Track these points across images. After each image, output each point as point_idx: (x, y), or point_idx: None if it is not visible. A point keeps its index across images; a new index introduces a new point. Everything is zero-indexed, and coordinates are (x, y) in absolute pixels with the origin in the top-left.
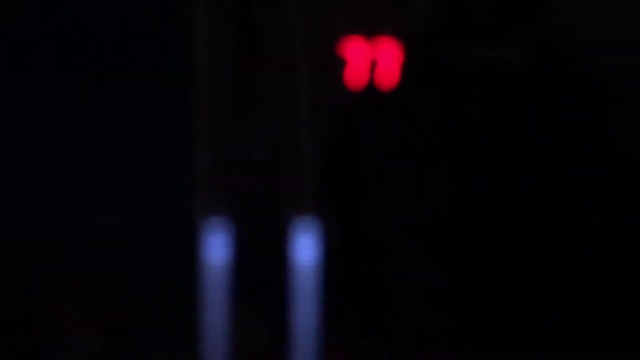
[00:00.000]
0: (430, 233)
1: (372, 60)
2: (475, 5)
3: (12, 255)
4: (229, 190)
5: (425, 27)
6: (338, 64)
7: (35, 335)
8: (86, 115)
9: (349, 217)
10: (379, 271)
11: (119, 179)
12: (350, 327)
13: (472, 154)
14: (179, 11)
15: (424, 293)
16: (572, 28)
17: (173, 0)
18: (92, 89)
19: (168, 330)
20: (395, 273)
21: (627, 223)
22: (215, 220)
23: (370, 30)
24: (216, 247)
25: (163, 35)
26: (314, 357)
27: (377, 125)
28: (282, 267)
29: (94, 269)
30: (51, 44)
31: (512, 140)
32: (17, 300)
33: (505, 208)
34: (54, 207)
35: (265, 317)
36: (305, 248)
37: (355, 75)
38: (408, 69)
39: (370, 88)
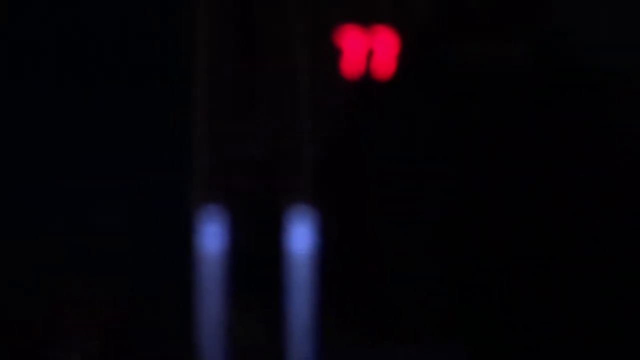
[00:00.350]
0: (428, 226)
1: (369, 50)
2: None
3: (10, 253)
4: (226, 183)
5: (422, 17)
6: (335, 54)
7: (33, 335)
8: (85, 113)
9: (346, 209)
10: (375, 264)
11: (117, 175)
12: (346, 319)
13: (470, 147)
14: (178, 10)
15: (421, 286)
16: (573, 26)
17: None
18: (91, 88)
19: (164, 323)
20: (392, 266)
21: (627, 222)
22: (212, 212)
23: (367, 19)
24: (213, 239)
25: (163, 34)
26: (310, 348)
27: (373, 116)
28: (278, 259)
29: (91, 264)
30: (50, 43)
31: (510, 134)
32: (15, 299)
33: (503, 201)
34: (54, 206)
35: (261, 309)
36: (302, 239)
37: (351, 65)
38: (404, 59)
39: (367, 78)
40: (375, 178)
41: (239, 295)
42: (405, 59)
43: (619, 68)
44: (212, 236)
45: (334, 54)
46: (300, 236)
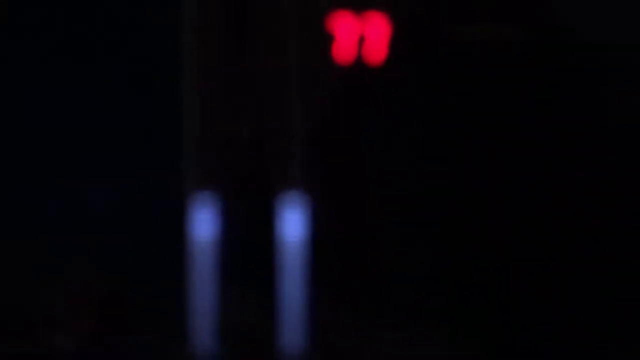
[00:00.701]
0: (419, 211)
1: (361, 35)
2: None
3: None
4: (218, 170)
5: (414, 3)
6: (327, 40)
7: (23, 317)
8: (75, 100)
9: (337, 195)
10: (367, 249)
11: (108, 161)
12: (338, 304)
13: (462, 132)
14: None
15: (413, 271)
16: (569, 5)
17: None
18: (79, 70)
19: (157, 308)
20: (384, 251)
21: (623, 205)
22: (204, 198)
23: (359, 5)
24: (205, 225)
25: (153, 17)
26: (302, 332)
27: (365, 102)
28: (271, 245)
29: (83, 249)
30: (46, 40)
31: (504, 118)
32: (4, 282)
33: (496, 185)
34: (49, 197)
35: (254, 294)
36: (294, 225)
37: (343, 51)
38: (396, 44)
39: (359, 63)
40: (366, 163)
41: (232, 280)
42: (397, 44)
43: (617, 46)
44: (204, 222)
45: (326, 39)
46: (292, 222)
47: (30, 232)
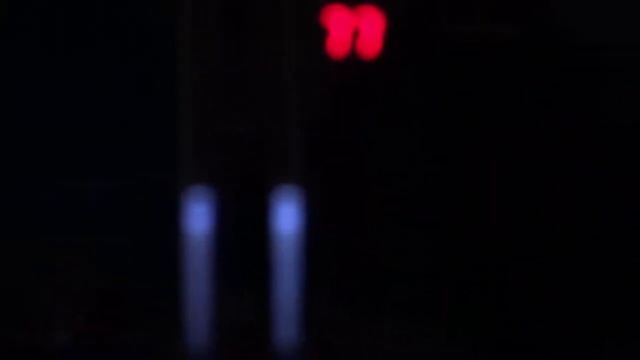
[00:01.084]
0: (415, 204)
1: (355, 30)
2: None
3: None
4: (213, 163)
5: None
6: (321, 34)
7: (19, 312)
8: (69, 93)
9: (333, 188)
10: (363, 243)
11: (103, 156)
12: (334, 298)
13: (457, 127)
14: None
15: (408, 264)
16: (566, 4)
17: None
18: (75, 69)
19: (151, 303)
20: (380, 244)
21: (622, 206)
22: (199, 192)
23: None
24: (199, 219)
25: (148, 12)
26: (297, 327)
27: (360, 96)
28: (265, 239)
29: (76, 243)
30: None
31: (498, 113)
32: (2, 278)
33: (492, 179)
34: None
35: (248, 289)
36: (289, 219)
37: (337, 45)
38: (390, 38)
39: (353, 57)
40: (361, 157)
41: (226, 274)
42: (391, 39)
43: (612, 43)
44: (198, 216)
45: (320, 34)
46: (287, 216)
47: (26, 230)
